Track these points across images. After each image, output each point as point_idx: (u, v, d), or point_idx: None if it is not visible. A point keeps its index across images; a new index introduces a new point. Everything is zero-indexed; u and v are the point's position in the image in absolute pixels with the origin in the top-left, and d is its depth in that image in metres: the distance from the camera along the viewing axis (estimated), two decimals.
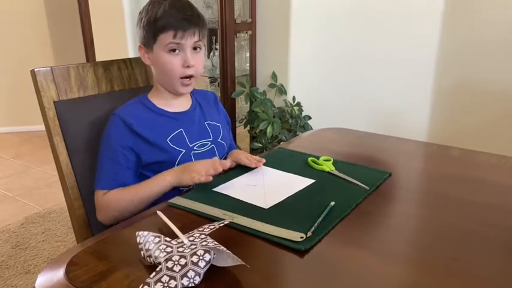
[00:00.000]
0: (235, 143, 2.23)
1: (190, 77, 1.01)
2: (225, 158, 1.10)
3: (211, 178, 0.89)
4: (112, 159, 0.97)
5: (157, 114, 1.03)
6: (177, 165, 1.00)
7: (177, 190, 0.95)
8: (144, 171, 1.00)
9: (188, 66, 0.99)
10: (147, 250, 0.62)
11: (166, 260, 0.59)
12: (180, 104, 1.07)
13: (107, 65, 1.10)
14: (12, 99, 3.53)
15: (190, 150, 1.02)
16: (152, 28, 0.98)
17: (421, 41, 1.95)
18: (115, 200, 0.95)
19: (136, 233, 0.67)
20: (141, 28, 1.00)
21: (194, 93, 1.13)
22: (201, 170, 0.90)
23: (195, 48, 1.01)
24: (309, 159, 1.05)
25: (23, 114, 3.50)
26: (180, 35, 0.97)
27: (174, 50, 0.98)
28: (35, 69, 0.97)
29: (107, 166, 0.97)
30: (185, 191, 0.93)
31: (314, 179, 0.96)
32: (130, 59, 1.16)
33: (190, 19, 0.98)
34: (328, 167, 1.01)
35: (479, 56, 1.83)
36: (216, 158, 0.99)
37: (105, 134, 0.99)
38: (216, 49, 2.40)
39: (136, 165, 0.99)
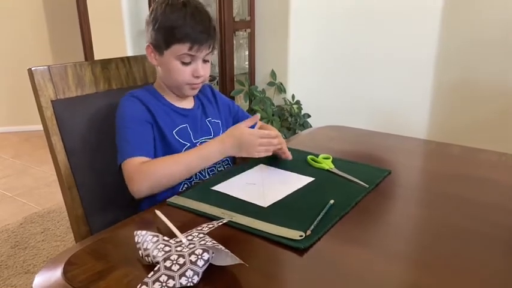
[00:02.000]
0: None
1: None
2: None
3: (271, 153, 0.96)
4: (134, 129, 0.95)
5: (166, 106, 1.03)
6: None
7: (176, 189, 0.94)
8: None
9: (198, 77, 0.99)
10: (145, 249, 0.62)
11: (165, 260, 0.59)
12: (186, 102, 1.07)
13: (105, 63, 1.10)
14: (12, 99, 3.53)
15: (193, 145, 1.02)
16: (167, 35, 0.95)
17: (421, 40, 1.95)
18: (159, 166, 0.90)
19: (135, 232, 0.66)
20: (153, 30, 0.97)
21: None
22: (262, 143, 0.93)
23: (205, 59, 1.00)
24: (308, 157, 1.05)
25: (22, 114, 3.50)
26: (196, 48, 0.95)
27: (186, 61, 0.97)
28: (32, 68, 0.96)
29: (131, 135, 0.94)
30: (184, 190, 0.93)
31: (313, 177, 0.95)
32: (128, 58, 1.15)
33: (209, 32, 0.96)
34: (328, 165, 1.00)
35: (479, 55, 1.83)
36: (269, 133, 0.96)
37: (120, 113, 0.97)
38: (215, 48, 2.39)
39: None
